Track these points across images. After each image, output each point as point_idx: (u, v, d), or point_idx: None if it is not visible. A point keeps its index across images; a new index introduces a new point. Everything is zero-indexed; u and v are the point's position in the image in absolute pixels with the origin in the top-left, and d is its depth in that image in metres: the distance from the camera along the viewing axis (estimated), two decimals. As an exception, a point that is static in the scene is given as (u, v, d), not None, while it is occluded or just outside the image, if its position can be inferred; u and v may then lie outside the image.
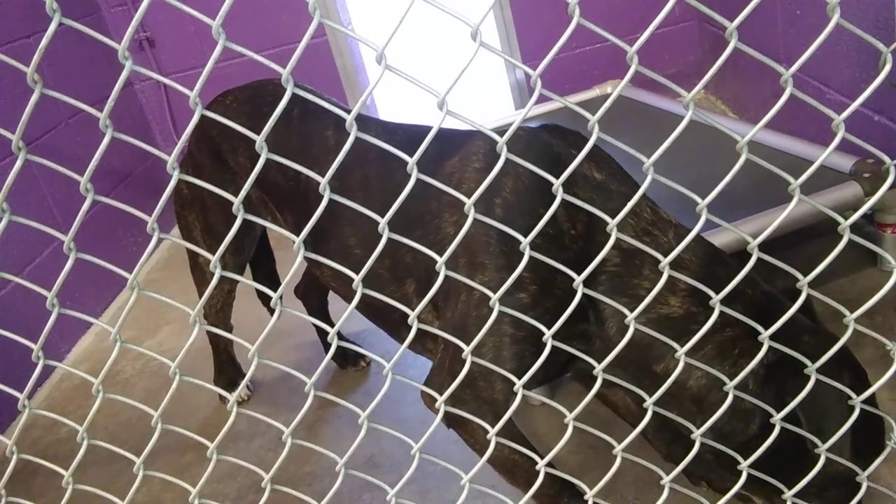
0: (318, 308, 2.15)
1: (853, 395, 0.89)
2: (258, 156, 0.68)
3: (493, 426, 0.92)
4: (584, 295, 0.79)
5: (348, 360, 2.12)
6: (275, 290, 0.74)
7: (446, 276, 0.74)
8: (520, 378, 0.88)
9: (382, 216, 0.72)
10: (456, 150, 1.28)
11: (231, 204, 0.71)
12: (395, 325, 1.44)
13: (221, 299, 1.92)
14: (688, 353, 0.85)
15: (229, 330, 2.09)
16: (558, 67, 3.20)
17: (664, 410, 0.93)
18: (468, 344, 0.83)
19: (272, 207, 1.61)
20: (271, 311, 2.27)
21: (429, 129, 0.71)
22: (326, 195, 0.71)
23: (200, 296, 1.94)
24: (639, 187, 0.77)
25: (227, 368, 2.11)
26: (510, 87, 3.57)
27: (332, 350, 0.80)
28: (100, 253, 0.77)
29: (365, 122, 1.54)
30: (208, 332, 2.05)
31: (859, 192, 1.86)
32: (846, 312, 0.82)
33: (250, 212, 1.07)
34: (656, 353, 1.09)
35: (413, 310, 0.77)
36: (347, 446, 0.87)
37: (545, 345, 0.84)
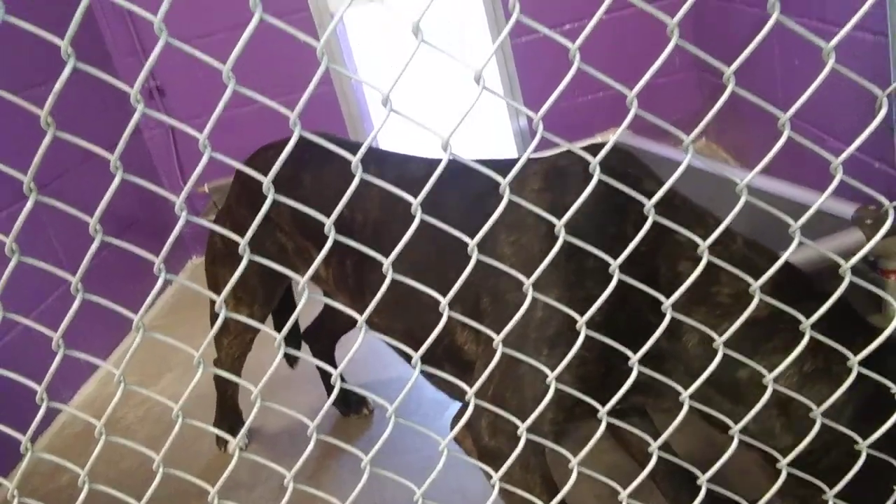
0: (325, 353, 2.13)
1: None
2: (298, 201, 0.69)
3: (530, 464, 0.87)
4: (655, 313, 0.78)
5: (351, 407, 2.10)
6: (295, 339, 0.74)
7: (500, 300, 0.73)
8: (577, 404, 0.83)
9: (433, 242, 0.71)
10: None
11: (267, 256, 0.71)
12: (436, 359, 1.37)
13: (241, 348, 1.91)
14: (775, 353, 0.83)
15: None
16: (560, 116, 3.24)
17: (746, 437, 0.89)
18: (525, 368, 0.80)
19: (313, 251, 1.59)
20: (289, 363, 2.25)
21: (465, 162, 0.72)
22: (332, 235, 0.72)
23: (217, 346, 1.93)
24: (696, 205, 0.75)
25: (228, 415, 2.09)
26: (513, 135, 3.61)
27: (336, 391, 0.80)
28: (105, 298, 0.78)
29: (406, 158, 1.54)
30: (215, 378, 2.04)
31: (861, 239, 1.86)
32: (850, 356, 0.81)
33: (284, 263, 1.06)
34: (739, 361, 1.06)
35: (456, 339, 0.75)
36: (350, 494, 0.86)
37: (615, 368, 0.82)
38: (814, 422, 0.86)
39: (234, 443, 2.18)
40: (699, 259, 1.06)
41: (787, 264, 1.09)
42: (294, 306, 2.04)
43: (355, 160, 0.72)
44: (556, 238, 0.75)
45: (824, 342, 0.96)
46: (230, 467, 0.81)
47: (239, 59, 0.65)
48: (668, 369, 1.05)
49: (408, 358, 1.50)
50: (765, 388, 0.85)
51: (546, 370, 0.87)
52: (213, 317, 1.91)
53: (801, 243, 0.79)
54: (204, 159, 0.70)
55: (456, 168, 0.98)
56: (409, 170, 1.43)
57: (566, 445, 0.93)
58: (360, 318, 0.74)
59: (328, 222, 0.71)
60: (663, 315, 0.93)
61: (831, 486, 0.89)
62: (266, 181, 0.70)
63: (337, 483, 1.85)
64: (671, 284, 1.03)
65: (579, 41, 0.68)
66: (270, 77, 3.30)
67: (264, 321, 1.82)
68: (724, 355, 0.85)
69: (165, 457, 0.82)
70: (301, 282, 0.72)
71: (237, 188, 1.75)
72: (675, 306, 1.03)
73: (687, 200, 1.20)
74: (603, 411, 0.82)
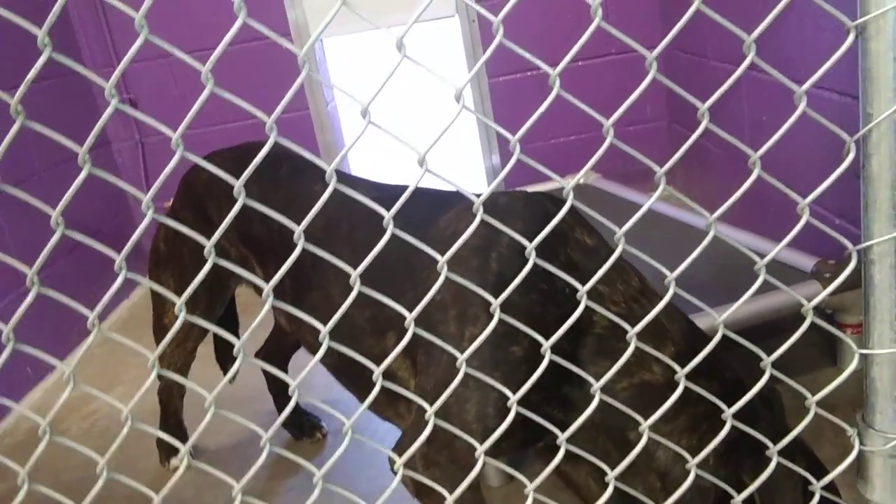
0: (277, 376, 2.10)
1: (813, 479, 0.88)
2: (244, 210, 0.69)
3: (464, 499, 0.89)
4: (568, 357, 0.79)
5: (304, 431, 2.07)
6: (233, 357, 0.73)
7: (431, 329, 0.73)
8: (504, 439, 0.85)
9: (371, 264, 0.72)
10: (452, 206, 1.29)
11: (214, 264, 0.70)
12: (369, 386, 1.41)
13: (182, 358, 1.88)
14: (661, 423, 0.85)
15: (182, 395, 2.03)
16: (531, 155, 3.28)
17: (627, 487, 0.91)
18: (451, 400, 0.81)
19: (255, 264, 1.59)
20: (230, 381, 2.22)
21: (418, 189, 0.73)
22: (300, 244, 0.71)
23: (159, 358, 1.89)
24: (621, 259, 0.78)
25: (172, 431, 2.04)
26: (486, 173, 3.64)
27: (293, 403, 0.78)
28: (59, 307, 0.76)
29: (353, 180, 1.56)
30: (160, 394, 1.99)
31: (819, 291, 1.90)
32: (808, 395, 0.82)
33: (227, 271, 1.06)
34: (633, 420, 1.08)
35: (392, 367, 0.76)
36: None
37: (531, 405, 0.83)
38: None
39: (181, 454, 2.14)
40: (615, 312, 1.09)
41: (696, 339, 1.12)
42: (236, 319, 2.02)
43: (329, 170, 0.72)
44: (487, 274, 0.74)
45: (701, 424, 0.99)
46: (176, 476, 0.79)
47: (215, 77, 0.64)
48: (576, 417, 1.09)
49: (346, 384, 1.50)
50: (648, 450, 0.90)
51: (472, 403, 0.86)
52: (157, 327, 1.88)
53: (759, 289, 0.79)
54: (175, 158, 0.69)
55: (396, 195, 1.00)
56: (365, 192, 1.45)
57: (516, 483, 0.92)
58: (324, 330, 0.73)
59: (298, 230, 0.70)
60: (578, 360, 0.95)
61: None
62: (238, 184, 0.69)
63: (288, 500, 1.81)
64: (586, 329, 1.06)
65: (560, 67, 0.69)
66: (244, 94, 3.29)
67: (206, 330, 1.79)
68: (617, 413, 0.91)
69: (109, 466, 0.80)
70: (266, 288, 0.71)
71: (181, 192, 1.75)
72: (582, 354, 1.06)
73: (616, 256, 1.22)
74: (562, 437, 0.82)
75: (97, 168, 0.70)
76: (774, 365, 0.81)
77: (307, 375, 0.79)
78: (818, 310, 2.05)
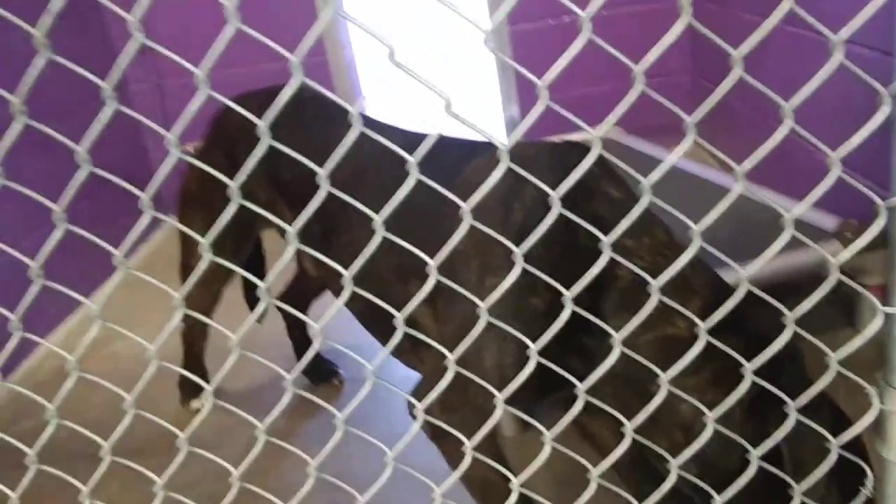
0: (297, 321, 2.12)
1: (831, 437, 0.88)
2: (273, 153, 0.68)
3: (482, 446, 0.90)
4: (588, 308, 0.79)
5: (321, 377, 2.10)
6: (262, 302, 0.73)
7: (453, 277, 0.73)
8: (521, 388, 0.85)
9: (396, 212, 0.72)
10: (481, 152, 1.28)
11: (241, 206, 0.70)
12: (392, 332, 1.41)
13: (208, 299, 1.89)
14: (684, 377, 0.85)
15: (205, 337, 2.06)
16: (552, 109, 3.24)
17: (649, 441, 0.92)
18: (469, 348, 0.82)
19: (283, 208, 1.59)
20: (258, 319, 2.24)
21: (446, 138, 0.72)
22: (325, 187, 0.71)
23: (185, 299, 1.90)
24: (648, 211, 0.77)
25: (195, 374, 2.08)
26: (504, 124, 3.61)
27: (316, 345, 0.79)
28: (78, 248, 0.76)
29: (381, 126, 1.54)
30: (183, 335, 2.02)
31: (841, 251, 1.88)
32: (829, 353, 0.82)
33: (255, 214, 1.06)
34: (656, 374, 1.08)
35: (414, 313, 0.76)
36: (316, 456, 0.85)
37: (550, 355, 0.83)
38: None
39: (205, 394, 2.19)
40: (639, 265, 1.08)
41: (723, 292, 1.11)
42: (263, 262, 2.03)
43: (354, 111, 0.71)
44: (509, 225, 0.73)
45: (727, 378, 0.98)
46: (201, 415, 0.80)
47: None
48: (596, 367, 1.09)
49: (371, 330, 1.50)
50: (672, 404, 0.88)
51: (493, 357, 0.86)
52: (184, 267, 1.89)
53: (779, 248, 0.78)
54: (201, 95, 0.68)
55: (422, 141, 0.98)
56: (392, 137, 1.44)
57: (528, 436, 0.93)
58: (346, 274, 0.73)
59: (322, 172, 0.70)
60: (598, 311, 0.91)
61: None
62: (262, 124, 0.68)
63: (303, 449, 1.84)
64: (609, 283, 1.05)
65: (591, 9, 0.67)
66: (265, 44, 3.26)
67: (231, 272, 1.81)
68: (640, 366, 0.89)
69: (135, 404, 0.81)
70: (289, 230, 0.71)
71: (213, 134, 1.75)
72: (605, 307, 1.04)
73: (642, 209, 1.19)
74: (581, 388, 0.82)
75: (114, 127, 0.70)
76: (795, 323, 0.80)
77: (328, 321, 0.80)
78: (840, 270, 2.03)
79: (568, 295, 0.78)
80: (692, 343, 1.04)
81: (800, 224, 0.76)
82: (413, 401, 0.89)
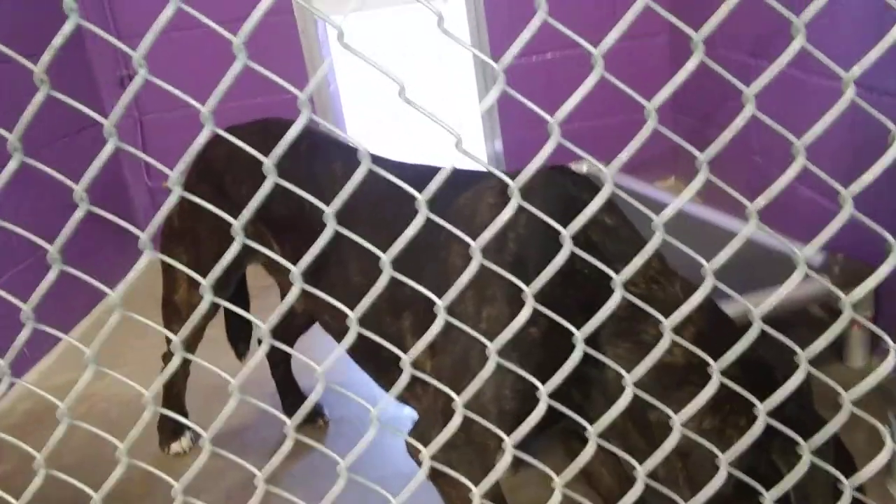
0: (283, 357, 2.08)
1: (843, 479, 0.87)
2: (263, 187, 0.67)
3: (481, 479, 0.87)
4: (587, 340, 0.77)
5: (307, 417, 2.05)
6: (246, 337, 0.71)
7: (448, 308, 0.71)
8: (519, 422, 0.83)
9: (388, 246, 0.70)
10: (469, 185, 1.27)
11: (227, 237, 0.68)
12: (384, 363, 1.38)
13: (193, 336, 1.84)
14: (682, 404, 0.83)
15: (186, 377, 2.01)
16: (536, 142, 3.26)
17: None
18: (467, 382, 0.79)
19: (271, 241, 1.57)
20: (239, 357, 2.16)
21: (435, 168, 0.70)
22: (331, 225, 0.69)
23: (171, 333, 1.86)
24: (641, 239, 0.76)
25: (175, 413, 2.02)
26: (487, 159, 3.62)
27: (319, 389, 0.76)
28: (69, 283, 0.73)
29: (375, 158, 1.53)
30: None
31: (827, 285, 1.88)
32: (842, 392, 0.81)
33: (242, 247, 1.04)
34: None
35: (406, 347, 0.74)
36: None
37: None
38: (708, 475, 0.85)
39: (204, 439, 2.09)
40: (635, 293, 1.07)
41: (718, 318, 1.10)
42: (247, 298, 1.99)
43: (362, 149, 0.69)
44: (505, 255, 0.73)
45: (725, 402, 0.96)
46: (199, 461, 0.77)
47: (213, 60, 0.62)
48: (594, 396, 1.07)
49: (360, 362, 1.46)
50: (669, 432, 0.86)
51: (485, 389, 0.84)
52: (167, 303, 1.84)
53: (765, 282, 0.78)
54: (205, 132, 0.67)
55: (423, 173, 0.96)
56: (387, 170, 1.43)
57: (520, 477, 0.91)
58: (353, 315, 0.71)
59: (329, 210, 0.68)
60: (595, 340, 0.91)
61: None
62: (269, 162, 0.67)
63: (290, 486, 1.79)
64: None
65: (603, 46, 0.67)
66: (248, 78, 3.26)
67: (217, 309, 1.77)
68: (640, 384, 0.85)
69: (111, 451, 0.78)
70: (294, 270, 0.69)
71: (199, 166, 1.71)
72: (600, 336, 1.03)
73: (635, 234, 1.20)
74: (592, 431, 0.80)
75: (121, 141, 0.68)
76: (787, 358, 0.79)
77: (314, 358, 0.77)
78: (828, 306, 2.04)
79: (579, 335, 0.76)
80: (688, 370, 1.03)
81: (786, 259, 0.75)
82: (418, 445, 0.87)
